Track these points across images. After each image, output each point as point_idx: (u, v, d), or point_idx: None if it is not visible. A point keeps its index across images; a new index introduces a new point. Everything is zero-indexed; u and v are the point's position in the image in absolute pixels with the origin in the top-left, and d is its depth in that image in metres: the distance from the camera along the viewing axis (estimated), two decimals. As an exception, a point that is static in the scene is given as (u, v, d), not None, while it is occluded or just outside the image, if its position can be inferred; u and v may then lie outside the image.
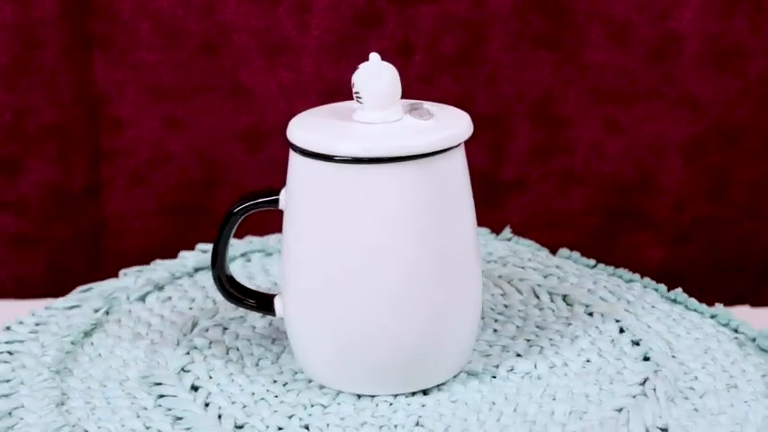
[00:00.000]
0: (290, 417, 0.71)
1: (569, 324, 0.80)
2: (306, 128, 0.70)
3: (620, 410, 0.71)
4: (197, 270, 0.87)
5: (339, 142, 0.69)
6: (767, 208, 1.06)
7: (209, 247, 0.87)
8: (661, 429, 0.70)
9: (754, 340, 0.79)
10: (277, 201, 0.72)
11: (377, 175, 0.68)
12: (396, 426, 0.70)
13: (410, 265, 0.69)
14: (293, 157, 0.70)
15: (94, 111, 1.03)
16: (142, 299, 0.83)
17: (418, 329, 0.70)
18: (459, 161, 0.71)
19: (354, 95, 0.70)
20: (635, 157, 1.04)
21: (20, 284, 1.06)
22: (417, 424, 0.70)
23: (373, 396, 0.72)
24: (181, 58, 1.01)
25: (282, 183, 0.72)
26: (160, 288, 0.84)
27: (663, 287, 0.84)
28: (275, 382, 0.74)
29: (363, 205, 0.69)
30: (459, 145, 0.71)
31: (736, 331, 0.80)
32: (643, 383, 0.74)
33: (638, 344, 0.78)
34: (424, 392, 0.73)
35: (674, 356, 0.76)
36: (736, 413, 0.72)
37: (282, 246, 0.73)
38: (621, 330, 0.79)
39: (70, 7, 1.00)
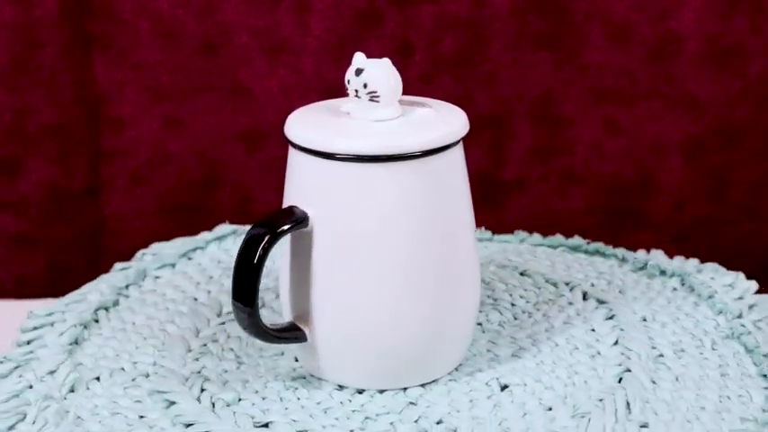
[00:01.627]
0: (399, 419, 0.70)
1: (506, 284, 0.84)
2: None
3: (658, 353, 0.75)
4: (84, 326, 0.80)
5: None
6: (767, 208, 1.06)
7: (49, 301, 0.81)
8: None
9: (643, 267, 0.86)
10: (307, 220, 0.69)
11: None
12: (487, 397, 0.71)
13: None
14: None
15: (94, 111, 1.03)
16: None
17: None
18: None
19: (369, 95, 0.70)
20: (635, 157, 1.04)
21: (20, 284, 1.06)
22: (505, 388, 0.72)
23: (428, 382, 0.73)
24: (181, 58, 1.01)
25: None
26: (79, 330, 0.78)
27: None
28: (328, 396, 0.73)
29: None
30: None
31: (604, 255, 0.88)
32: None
33: (572, 288, 0.83)
34: (454, 369, 0.74)
35: (621, 292, 0.82)
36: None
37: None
38: (547, 280, 0.83)
39: (70, 7, 1.00)
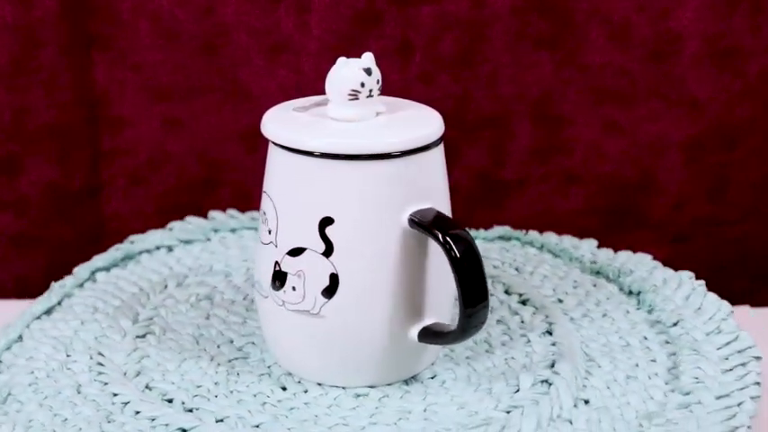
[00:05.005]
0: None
1: None
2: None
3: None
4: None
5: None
6: (767, 208, 1.06)
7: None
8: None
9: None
10: None
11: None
12: None
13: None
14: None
15: (94, 111, 1.03)
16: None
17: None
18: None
19: (379, 90, 0.71)
20: (635, 157, 1.04)
21: (20, 284, 1.06)
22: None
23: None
24: (181, 58, 1.01)
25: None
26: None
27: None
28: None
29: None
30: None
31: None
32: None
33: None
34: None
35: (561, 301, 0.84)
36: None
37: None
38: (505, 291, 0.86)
39: (70, 7, 1.00)
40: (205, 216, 0.99)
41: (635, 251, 0.92)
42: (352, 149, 0.69)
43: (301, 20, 1.01)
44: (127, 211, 1.05)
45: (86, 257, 1.05)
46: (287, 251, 0.70)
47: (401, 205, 0.70)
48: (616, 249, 0.92)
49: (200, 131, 1.03)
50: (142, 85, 1.02)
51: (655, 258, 0.90)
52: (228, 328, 0.80)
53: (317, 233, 0.69)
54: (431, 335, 0.71)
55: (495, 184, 1.05)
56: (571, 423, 0.69)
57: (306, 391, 0.73)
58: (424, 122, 0.72)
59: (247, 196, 1.05)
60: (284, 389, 0.73)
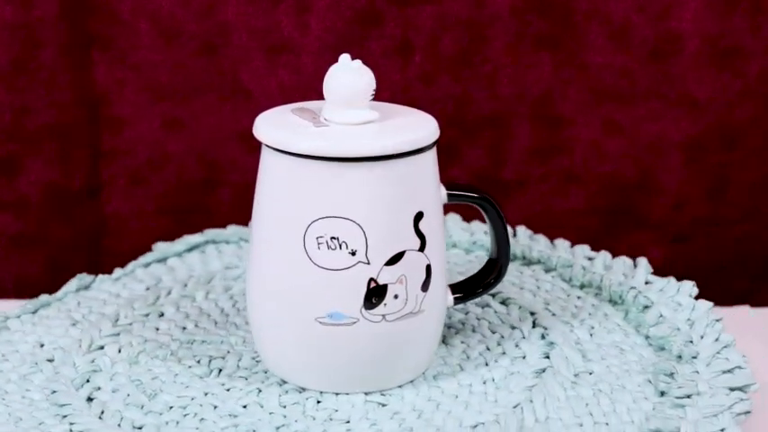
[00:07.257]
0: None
1: None
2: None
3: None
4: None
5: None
6: (767, 208, 1.06)
7: None
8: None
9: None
10: None
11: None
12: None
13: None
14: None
15: (94, 111, 1.03)
16: None
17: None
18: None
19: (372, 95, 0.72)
20: (635, 157, 1.04)
21: (20, 284, 1.06)
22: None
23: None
24: (181, 58, 1.01)
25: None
26: None
27: None
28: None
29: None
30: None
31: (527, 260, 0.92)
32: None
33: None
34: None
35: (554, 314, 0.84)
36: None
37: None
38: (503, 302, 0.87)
39: (70, 7, 1.00)
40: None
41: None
42: (428, 142, 0.71)
43: (301, 20, 1.01)
44: (127, 211, 1.05)
45: (86, 257, 1.05)
46: (385, 262, 0.70)
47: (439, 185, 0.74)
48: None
49: (200, 131, 1.03)
50: (142, 85, 1.02)
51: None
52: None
53: (413, 231, 0.71)
54: (464, 294, 0.76)
55: (494, 184, 1.05)
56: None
57: (403, 398, 0.73)
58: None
59: (247, 196, 1.05)
60: (383, 405, 0.72)
